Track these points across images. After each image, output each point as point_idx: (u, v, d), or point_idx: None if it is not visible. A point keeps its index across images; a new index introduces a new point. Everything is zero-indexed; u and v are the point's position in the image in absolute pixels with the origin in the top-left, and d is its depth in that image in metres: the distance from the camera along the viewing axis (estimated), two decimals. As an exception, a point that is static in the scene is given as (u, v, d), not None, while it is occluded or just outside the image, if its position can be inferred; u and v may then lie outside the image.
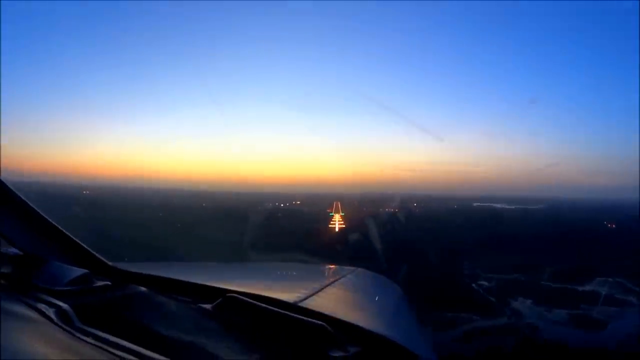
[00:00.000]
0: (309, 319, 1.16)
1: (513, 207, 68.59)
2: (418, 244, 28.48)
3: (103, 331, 0.94)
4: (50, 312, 0.99)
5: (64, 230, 1.38)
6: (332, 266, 3.02)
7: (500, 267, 25.24)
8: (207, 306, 1.29)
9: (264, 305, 1.22)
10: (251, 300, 1.25)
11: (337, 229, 42.50)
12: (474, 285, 23.22)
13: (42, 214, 1.32)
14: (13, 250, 1.31)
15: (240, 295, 1.29)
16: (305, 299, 1.51)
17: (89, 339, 0.90)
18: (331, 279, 2.09)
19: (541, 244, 32.83)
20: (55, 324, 0.95)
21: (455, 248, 29.03)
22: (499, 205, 68.89)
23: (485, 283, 23.46)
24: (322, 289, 1.77)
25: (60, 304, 1.03)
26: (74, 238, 1.41)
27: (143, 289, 1.29)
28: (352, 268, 2.63)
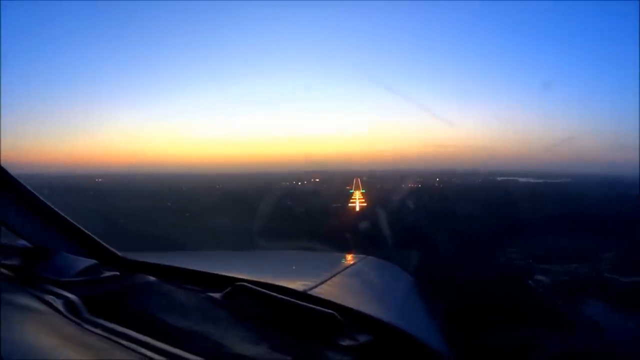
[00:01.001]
0: (319, 308, 1.16)
1: (540, 180, 65.07)
2: (447, 222, 25.12)
3: (112, 322, 0.95)
4: (59, 304, 1.00)
5: (72, 221, 1.40)
6: (341, 254, 3.02)
7: (549, 254, 21.02)
8: (217, 295, 1.29)
9: (273, 293, 1.22)
10: (260, 289, 1.25)
11: (357, 208, 39.00)
12: (530, 282, 17.65)
13: (49, 205, 1.33)
14: (21, 242, 1.33)
15: (250, 283, 1.28)
16: (315, 287, 1.51)
17: (97, 330, 0.92)
18: (341, 267, 2.09)
19: (582, 223, 27.66)
20: (64, 315, 0.96)
21: (491, 229, 24.86)
22: (523, 179, 65.17)
23: (543, 278, 17.89)
24: (332, 277, 1.76)
25: (69, 295, 1.05)
26: (82, 229, 1.42)
27: (152, 278, 1.30)
28: (362, 256, 2.61)
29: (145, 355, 0.85)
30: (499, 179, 66.55)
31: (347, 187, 52.73)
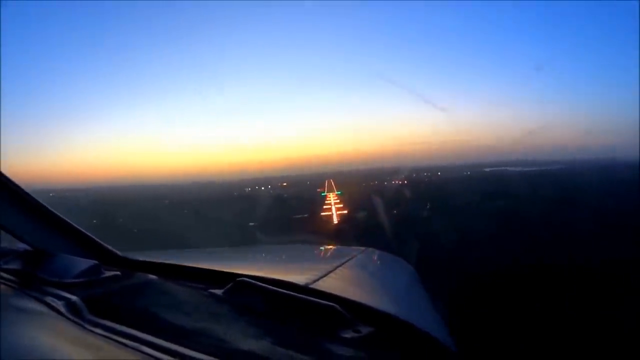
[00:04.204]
0: (320, 300, 1.20)
1: (533, 168, 62.05)
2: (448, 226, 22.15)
3: (113, 321, 0.99)
4: (60, 305, 1.03)
5: (72, 223, 1.43)
6: (342, 247, 3.02)
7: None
8: (218, 291, 1.31)
9: (274, 288, 1.26)
10: (262, 284, 1.28)
11: (333, 216, 28.77)
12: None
13: (48, 207, 1.36)
14: (22, 245, 1.37)
15: (251, 278, 1.32)
16: (316, 280, 1.53)
17: (98, 330, 0.95)
18: (341, 260, 2.06)
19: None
20: (65, 316, 1.00)
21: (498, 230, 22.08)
22: (513, 169, 62.53)
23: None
24: (333, 270, 1.78)
25: (70, 296, 1.08)
26: (82, 230, 1.45)
27: (152, 277, 1.34)
28: (362, 248, 2.60)
29: (148, 354, 0.87)
30: (486, 169, 64.18)
31: (319, 190, 44.88)
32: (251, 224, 24.06)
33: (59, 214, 1.40)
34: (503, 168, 62.73)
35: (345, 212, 29.91)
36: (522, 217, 26.38)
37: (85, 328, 0.95)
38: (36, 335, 0.87)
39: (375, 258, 2.56)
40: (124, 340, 0.90)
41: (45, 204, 1.36)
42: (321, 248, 3.08)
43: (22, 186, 1.29)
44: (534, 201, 32.20)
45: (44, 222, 1.37)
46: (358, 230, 21.23)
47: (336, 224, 26.89)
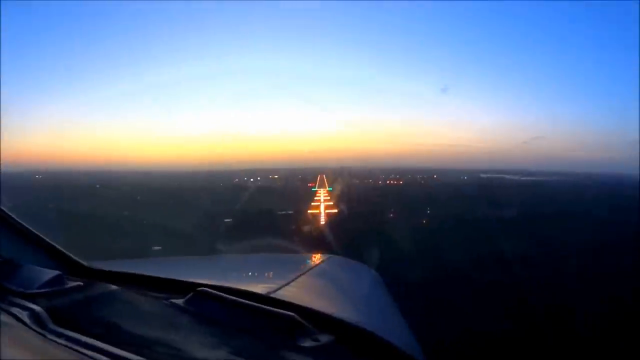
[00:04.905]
0: (278, 310, 1.21)
1: (531, 178, 61.06)
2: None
3: (75, 332, 1.01)
4: (24, 316, 1.05)
5: (37, 233, 1.44)
6: (305, 254, 3.09)
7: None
8: (179, 301, 1.33)
9: (234, 297, 1.28)
10: (221, 293, 1.30)
11: (320, 214, 26.45)
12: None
13: (14, 216, 1.38)
14: None
15: (212, 288, 1.34)
16: (278, 289, 1.55)
17: (61, 340, 0.97)
18: (305, 268, 2.09)
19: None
20: (29, 327, 1.01)
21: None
22: (510, 176, 60.85)
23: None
24: (295, 278, 1.79)
25: (33, 306, 1.09)
26: (47, 240, 1.47)
27: (115, 287, 1.34)
28: (327, 255, 2.58)
29: None
30: (483, 175, 63.32)
31: (310, 185, 42.74)
32: (226, 220, 21.80)
33: (25, 223, 1.41)
34: (500, 176, 61.89)
35: (334, 211, 27.64)
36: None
37: (47, 338, 0.97)
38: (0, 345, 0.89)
39: (338, 265, 2.56)
40: (85, 351, 0.92)
41: (11, 214, 1.38)
42: (285, 256, 3.06)
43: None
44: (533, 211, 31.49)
45: (9, 232, 1.39)
46: (344, 233, 19.90)
47: (322, 224, 24.77)
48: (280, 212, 26.10)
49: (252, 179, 48.58)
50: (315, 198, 33.62)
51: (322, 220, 25.80)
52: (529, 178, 59.27)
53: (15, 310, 1.06)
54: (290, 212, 27.92)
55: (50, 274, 1.26)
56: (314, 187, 39.04)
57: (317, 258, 2.49)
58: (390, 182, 52.75)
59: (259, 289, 1.46)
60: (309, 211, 28.46)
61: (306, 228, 23.51)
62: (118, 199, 32.35)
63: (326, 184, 38.66)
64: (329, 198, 32.95)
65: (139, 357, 0.91)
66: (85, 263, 1.55)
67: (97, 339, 0.96)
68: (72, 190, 35.74)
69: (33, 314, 1.04)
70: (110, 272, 1.55)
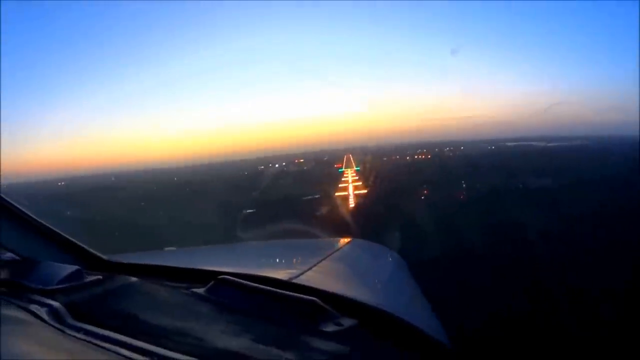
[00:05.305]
0: (300, 295, 1.20)
1: (555, 144, 58.22)
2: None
3: (95, 326, 1.01)
4: (43, 312, 1.05)
5: (55, 229, 1.45)
6: (328, 239, 3.04)
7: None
8: (200, 290, 1.32)
9: (255, 284, 1.27)
10: (242, 281, 1.29)
11: (349, 196, 25.26)
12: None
13: (31, 214, 1.38)
14: (7, 255, 1.38)
15: (233, 276, 1.33)
16: (300, 275, 1.54)
17: (80, 335, 0.97)
18: (326, 253, 2.04)
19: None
20: (48, 323, 1.02)
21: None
22: (537, 143, 58.76)
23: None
24: (317, 263, 1.77)
25: (52, 303, 1.09)
26: (65, 235, 1.47)
27: (134, 279, 1.34)
28: (349, 239, 2.53)
29: (127, 357, 0.89)
30: (509, 144, 61.01)
31: (337, 166, 41.49)
32: (246, 211, 20.72)
33: (42, 220, 1.41)
34: (527, 143, 60.10)
35: (364, 191, 26.10)
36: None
37: (67, 334, 0.97)
38: (18, 343, 0.87)
39: (360, 249, 2.52)
40: (104, 344, 0.92)
41: (28, 212, 1.38)
42: (306, 242, 3.03)
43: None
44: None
45: (27, 230, 1.39)
46: (375, 216, 18.58)
47: (351, 207, 23.30)
48: (306, 198, 24.84)
49: (277, 165, 47.58)
50: (343, 179, 32.50)
51: (352, 203, 24.58)
52: (554, 144, 57.18)
53: (34, 307, 1.06)
54: (316, 196, 26.32)
55: (69, 269, 1.26)
56: (341, 168, 37.93)
57: (338, 242, 2.48)
58: (417, 157, 50.99)
59: (280, 275, 1.45)
60: (336, 194, 27.29)
61: (334, 212, 22.22)
62: (132, 200, 32.18)
63: (353, 164, 37.42)
64: (357, 178, 31.76)
65: (159, 348, 0.91)
66: (104, 257, 1.56)
67: (117, 332, 0.96)
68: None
69: (51, 310, 1.05)
70: (129, 264, 1.56)
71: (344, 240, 2.48)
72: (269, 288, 1.23)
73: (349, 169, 35.99)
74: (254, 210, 21.96)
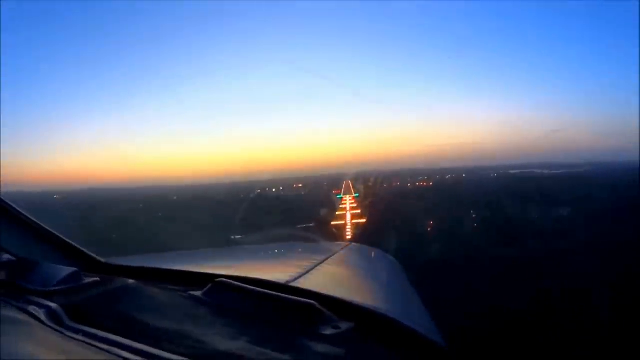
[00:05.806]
0: (298, 298, 1.21)
1: (558, 171, 58.16)
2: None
3: (93, 327, 1.02)
4: (40, 314, 1.06)
5: (53, 231, 1.45)
6: (325, 243, 3.03)
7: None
8: (197, 293, 1.33)
9: (253, 287, 1.28)
10: (240, 284, 1.30)
11: (346, 224, 23.70)
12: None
13: (29, 216, 1.39)
14: (5, 256, 1.37)
15: (231, 279, 1.34)
16: (298, 278, 1.54)
17: (78, 336, 0.98)
18: (324, 257, 2.04)
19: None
20: (46, 324, 1.03)
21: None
22: (540, 170, 59.26)
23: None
24: (314, 267, 1.77)
25: (50, 304, 1.10)
26: (63, 237, 1.48)
27: (132, 281, 1.34)
28: (346, 243, 2.69)
29: (125, 358, 0.89)
30: (512, 172, 62.41)
31: (335, 192, 39.98)
32: (233, 237, 19.05)
33: (40, 222, 1.41)
34: (529, 170, 60.60)
35: (362, 220, 24.53)
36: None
37: (64, 335, 0.97)
38: (16, 344, 0.88)
39: (357, 253, 2.53)
40: (102, 346, 0.92)
41: (25, 212, 1.38)
42: (304, 245, 3.03)
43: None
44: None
45: (26, 232, 1.40)
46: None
47: (347, 238, 21.63)
48: (300, 226, 23.33)
49: (274, 189, 46.08)
50: (341, 206, 31.17)
51: (348, 234, 23.12)
52: (560, 171, 57.07)
53: (32, 308, 1.07)
54: (311, 224, 24.89)
55: (66, 271, 1.27)
56: (339, 194, 36.66)
57: (335, 246, 2.53)
58: (419, 183, 49.29)
59: (278, 278, 1.46)
60: (332, 222, 26.48)
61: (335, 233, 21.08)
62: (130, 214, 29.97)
63: (352, 190, 36.08)
64: (355, 206, 30.42)
65: (157, 350, 0.92)
66: (102, 259, 1.57)
67: (115, 334, 0.97)
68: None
69: (50, 312, 1.05)
70: (127, 267, 1.57)
71: (342, 244, 2.61)
72: (266, 291, 1.24)
73: (347, 196, 35.14)
74: (241, 236, 20.51)
